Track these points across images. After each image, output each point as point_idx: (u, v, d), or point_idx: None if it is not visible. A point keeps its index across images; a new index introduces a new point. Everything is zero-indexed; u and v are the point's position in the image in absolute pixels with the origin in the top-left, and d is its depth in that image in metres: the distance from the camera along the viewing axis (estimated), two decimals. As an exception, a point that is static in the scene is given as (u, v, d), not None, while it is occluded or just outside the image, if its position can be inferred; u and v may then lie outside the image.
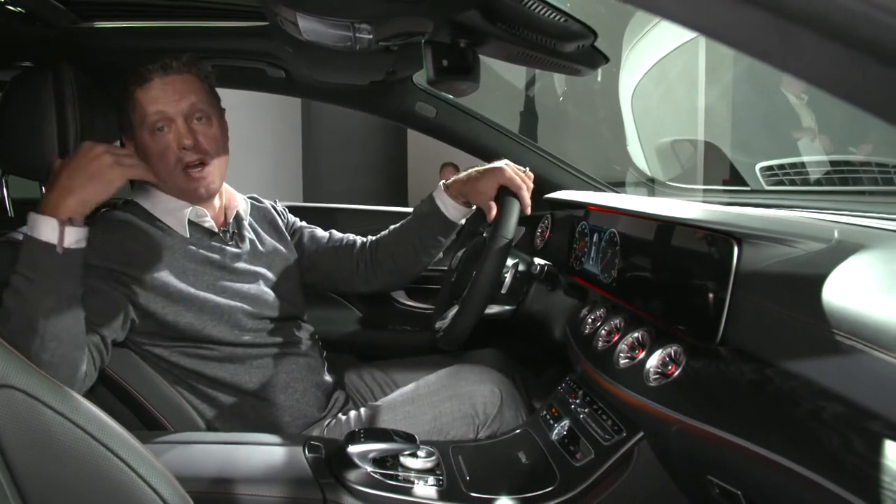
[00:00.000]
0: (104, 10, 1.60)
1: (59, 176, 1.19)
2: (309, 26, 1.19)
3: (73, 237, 1.16)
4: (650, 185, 2.70)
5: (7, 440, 0.66)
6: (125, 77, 1.35)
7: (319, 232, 1.68)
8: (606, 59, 1.41)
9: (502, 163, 1.48)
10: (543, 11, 1.11)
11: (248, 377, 1.38)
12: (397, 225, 1.65)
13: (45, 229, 1.14)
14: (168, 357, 1.35)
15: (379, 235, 1.67)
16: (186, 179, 1.35)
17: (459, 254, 1.64)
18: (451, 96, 1.91)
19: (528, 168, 1.50)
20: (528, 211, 1.46)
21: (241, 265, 1.43)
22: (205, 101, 1.37)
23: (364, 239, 1.68)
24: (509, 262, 1.52)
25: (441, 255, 1.65)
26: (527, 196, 1.44)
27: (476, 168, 1.52)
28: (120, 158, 1.22)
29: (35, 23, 1.50)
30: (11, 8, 1.44)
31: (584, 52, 1.33)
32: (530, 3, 1.09)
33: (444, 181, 1.58)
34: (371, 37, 1.22)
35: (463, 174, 1.54)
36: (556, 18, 1.14)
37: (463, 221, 1.59)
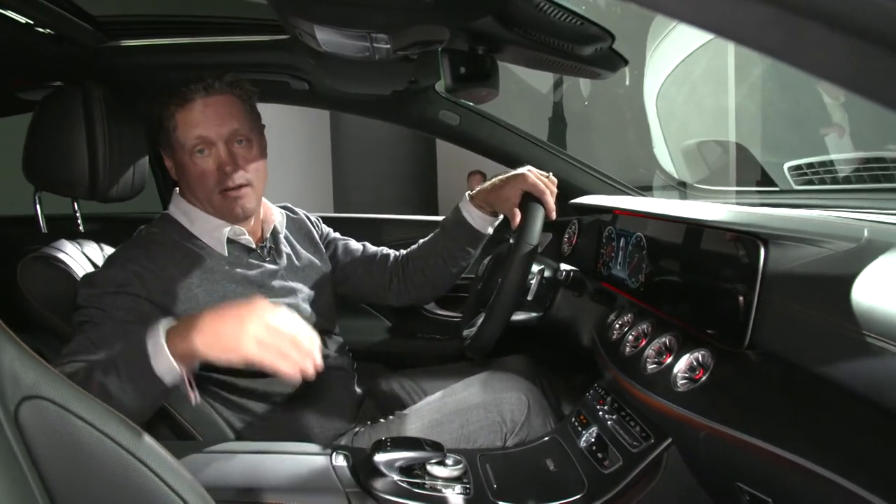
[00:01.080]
0: (130, 29, 1.64)
1: (226, 319, 1.00)
2: (327, 38, 1.20)
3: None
4: (681, 189, 2.66)
5: (39, 451, 0.68)
6: (166, 95, 1.34)
7: (353, 244, 1.68)
8: (626, 62, 1.40)
9: (525, 169, 1.47)
10: (559, 15, 1.11)
11: (279, 388, 1.39)
12: (426, 238, 1.65)
13: (169, 376, 1.03)
14: (200, 369, 1.36)
15: (409, 250, 1.67)
16: (223, 200, 1.35)
17: (486, 261, 1.64)
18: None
19: (551, 173, 1.49)
20: (553, 216, 1.45)
21: (278, 282, 1.43)
22: (246, 125, 1.36)
23: (396, 253, 1.68)
24: (535, 268, 1.51)
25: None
26: (551, 201, 1.43)
27: (500, 176, 1.52)
28: (295, 352, 1.03)
29: (63, 43, 1.55)
30: (41, 30, 1.48)
31: (602, 54, 1.32)
32: (546, 7, 1.08)
33: (469, 192, 1.58)
34: (389, 46, 1.23)
35: (487, 183, 1.54)
36: (573, 22, 1.14)
37: (490, 231, 1.58)
